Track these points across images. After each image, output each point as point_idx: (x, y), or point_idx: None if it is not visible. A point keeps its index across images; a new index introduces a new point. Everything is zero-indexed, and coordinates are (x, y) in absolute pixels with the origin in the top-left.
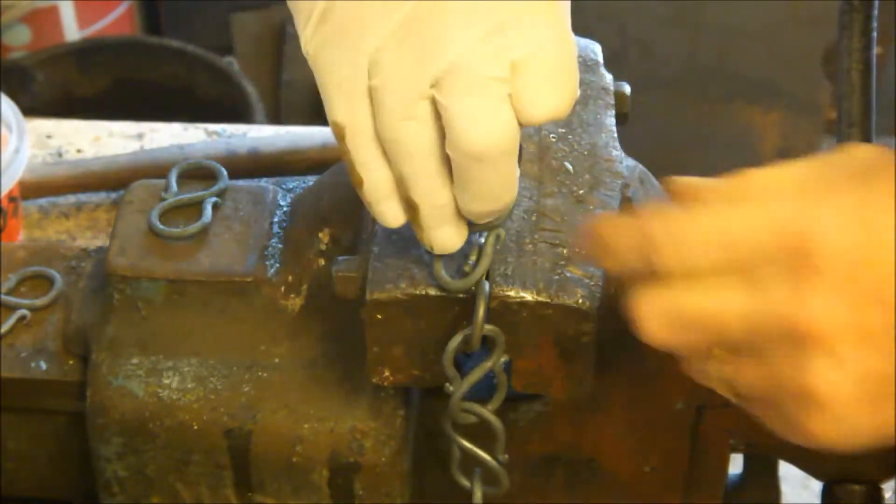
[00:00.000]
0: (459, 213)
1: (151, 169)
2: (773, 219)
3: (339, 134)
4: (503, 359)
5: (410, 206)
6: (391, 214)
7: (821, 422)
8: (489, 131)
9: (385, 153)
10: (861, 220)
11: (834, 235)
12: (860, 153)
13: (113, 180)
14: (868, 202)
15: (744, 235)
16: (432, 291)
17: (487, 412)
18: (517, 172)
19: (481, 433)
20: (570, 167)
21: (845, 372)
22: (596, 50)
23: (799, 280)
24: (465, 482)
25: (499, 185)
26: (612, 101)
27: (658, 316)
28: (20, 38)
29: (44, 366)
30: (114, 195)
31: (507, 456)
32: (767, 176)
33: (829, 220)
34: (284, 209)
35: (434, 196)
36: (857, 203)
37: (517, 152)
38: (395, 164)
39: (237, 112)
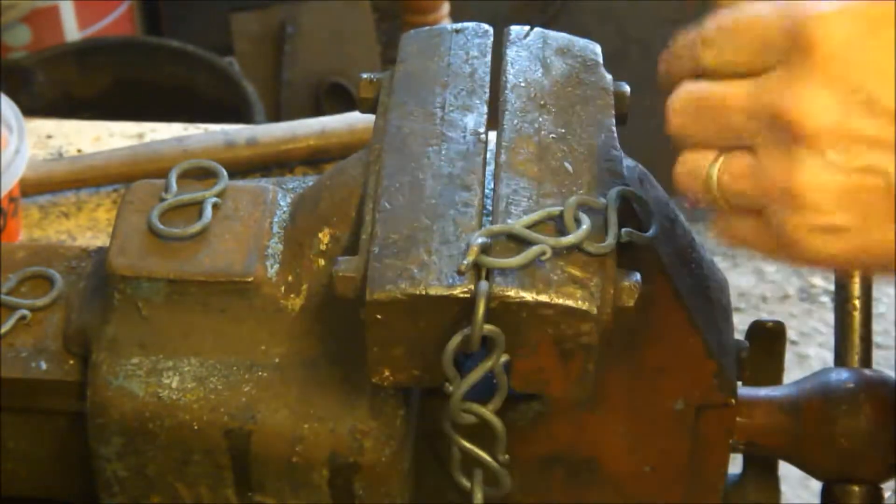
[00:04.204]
0: None
1: (151, 162)
2: (782, 7)
3: None
4: (503, 359)
5: None
6: None
7: (803, 225)
8: None
9: None
10: (864, 17)
11: (834, 28)
12: None
13: (114, 174)
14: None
15: (753, 23)
16: (432, 291)
17: (487, 412)
18: None
19: (481, 433)
20: (569, 167)
21: (831, 174)
22: (596, 50)
23: (795, 72)
24: (466, 483)
25: None
26: (612, 101)
27: (678, 102)
28: (20, 38)
29: (44, 366)
30: (114, 195)
31: (507, 456)
32: None
33: (833, 15)
34: (284, 209)
35: None
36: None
37: None
38: None
39: (237, 112)
